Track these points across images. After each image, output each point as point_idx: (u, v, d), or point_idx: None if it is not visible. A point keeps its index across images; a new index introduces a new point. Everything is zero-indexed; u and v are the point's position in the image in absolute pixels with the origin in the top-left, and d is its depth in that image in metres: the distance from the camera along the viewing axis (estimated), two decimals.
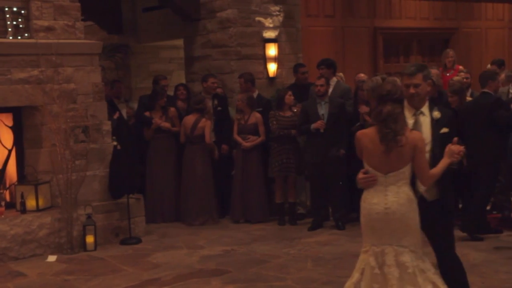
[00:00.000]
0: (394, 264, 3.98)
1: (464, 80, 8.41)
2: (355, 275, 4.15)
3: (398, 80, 4.43)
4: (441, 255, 4.29)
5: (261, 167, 8.30)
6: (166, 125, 8.46)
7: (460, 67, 10.21)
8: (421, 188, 4.17)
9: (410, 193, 4.05)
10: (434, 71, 8.54)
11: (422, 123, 4.25)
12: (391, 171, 4.00)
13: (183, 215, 8.41)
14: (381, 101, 4.02)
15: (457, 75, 9.22)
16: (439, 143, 4.18)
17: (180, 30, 9.97)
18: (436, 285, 4.01)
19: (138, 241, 7.41)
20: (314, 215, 8.02)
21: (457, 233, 7.27)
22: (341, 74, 9.47)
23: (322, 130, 7.66)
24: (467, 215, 7.20)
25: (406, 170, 4.01)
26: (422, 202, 4.16)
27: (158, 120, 8.44)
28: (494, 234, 7.07)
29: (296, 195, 8.31)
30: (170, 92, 9.33)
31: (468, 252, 6.47)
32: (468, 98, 7.67)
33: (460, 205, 8.01)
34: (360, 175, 4.11)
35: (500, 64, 9.99)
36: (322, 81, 7.87)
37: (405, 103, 4.23)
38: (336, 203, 7.95)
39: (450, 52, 10.31)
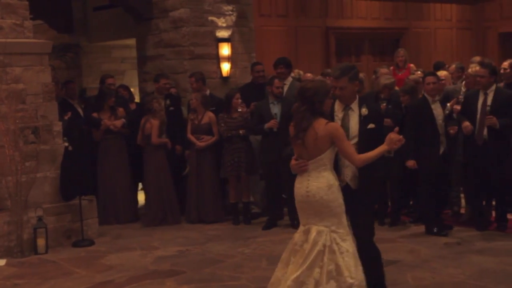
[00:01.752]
0: (310, 242, 4.32)
1: (420, 79, 8.55)
2: (285, 251, 4.54)
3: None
4: (360, 243, 4.56)
5: (215, 167, 8.28)
6: (117, 123, 8.33)
7: (411, 65, 10.40)
8: (347, 177, 4.57)
9: (330, 178, 4.39)
10: (384, 71, 8.68)
11: (351, 118, 4.64)
12: (311, 158, 4.36)
13: (139, 216, 8.37)
14: (297, 98, 4.43)
15: (413, 73, 9.37)
16: (365, 137, 4.57)
17: (132, 29, 9.88)
18: (339, 267, 4.27)
19: (91, 243, 7.32)
20: (268, 214, 8.05)
21: (413, 230, 7.46)
22: (301, 72, 9.53)
23: (275, 129, 7.70)
24: (422, 215, 7.36)
25: (325, 157, 4.36)
26: (347, 190, 4.52)
27: (108, 122, 8.32)
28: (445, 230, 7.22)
29: (250, 194, 8.32)
30: None
31: (419, 248, 6.59)
32: None
33: (411, 202, 8.18)
34: (293, 162, 4.43)
35: (440, 66, 10.19)
36: (281, 82, 7.93)
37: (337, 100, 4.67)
38: (291, 202, 7.99)
39: (401, 51, 10.48)
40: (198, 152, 8.23)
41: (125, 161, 8.47)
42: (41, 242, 6.96)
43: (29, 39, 7.29)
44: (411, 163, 7.04)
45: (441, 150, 7.11)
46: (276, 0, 11.25)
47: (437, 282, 5.60)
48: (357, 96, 4.72)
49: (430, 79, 7.23)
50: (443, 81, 8.15)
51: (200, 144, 8.18)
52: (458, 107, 7.45)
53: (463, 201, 8.00)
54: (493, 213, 7.49)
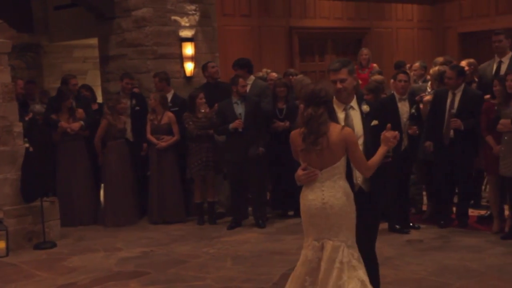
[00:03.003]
0: (325, 259, 4.07)
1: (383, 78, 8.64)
2: (298, 265, 4.24)
3: (306, 79, 4.54)
4: (365, 249, 4.32)
5: (176, 167, 8.25)
6: (74, 127, 8.21)
7: (374, 65, 10.50)
8: (359, 180, 4.30)
9: (346, 187, 4.12)
10: None
11: (353, 117, 4.37)
12: (325, 167, 4.07)
13: (101, 217, 8.28)
14: (306, 103, 4.10)
15: (373, 74, 9.46)
16: (371, 135, 4.32)
17: (94, 28, 9.75)
18: (364, 283, 4.06)
19: (53, 245, 7.22)
20: (233, 214, 8.05)
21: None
22: (268, 70, 9.54)
23: (240, 129, 7.71)
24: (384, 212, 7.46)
25: (340, 165, 4.08)
26: (360, 194, 4.27)
27: (65, 124, 8.19)
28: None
29: (215, 194, 8.31)
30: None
31: (382, 246, 6.63)
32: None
33: None
34: (300, 172, 4.15)
35: (400, 65, 10.30)
36: (245, 81, 7.94)
37: (334, 99, 4.31)
38: (256, 202, 8.01)
39: (365, 50, 10.59)
40: (158, 152, 8.19)
41: (85, 162, 8.38)
42: (1, 245, 6.84)
43: None
44: None
45: (402, 148, 7.19)
46: None
47: (399, 279, 5.67)
48: (355, 94, 4.47)
49: (402, 76, 7.30)
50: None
51: (162, 144, 8.14)
52: (421, 106, 7.56)
53: (425, 199, 8.12)
54: (454, 210, 7.61)
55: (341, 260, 4.04)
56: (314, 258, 4.11)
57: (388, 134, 4.15)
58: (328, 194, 4.07)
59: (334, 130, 4.04)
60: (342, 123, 4.26)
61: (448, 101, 7.22)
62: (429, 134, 7.37)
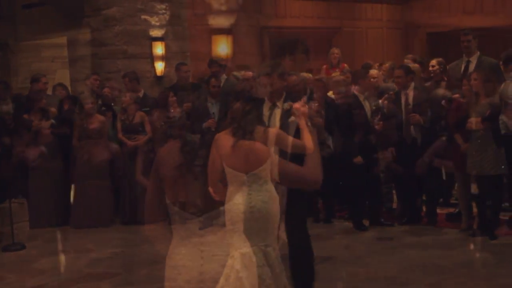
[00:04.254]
0: (266, 264, 3.92)
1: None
2: (221, 281, 4.08)
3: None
4: (297, 248, 4.51)
5: (149, 167, 8.20)
6: (44, 125, 8.14)
7: (345, 65, 10.56)
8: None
9: (272, 190, 4.00)
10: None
11: (276, 115, 4.67)
12: (251, 170, 3.94)
13: (71, 218, 8.21)
14: (234, 99, 4.08)
15: (341, 74, 9.52)
16: (287, 131, 4.26)
17: (63, 27, 9.66)
18: (287, 286, 4.03)
19: (22, 247, 7.12)
20: (205, 213, 8.02)
21: (349, 226, 7.57)
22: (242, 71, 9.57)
23: (213, 129, 7.70)
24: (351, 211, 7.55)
25: (267, 167, 3.94)
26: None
27: (39, 123, 8.11)
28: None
29: (186, 194, 8.28)
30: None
31: (353, 244, 6.72)
32: None
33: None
34: (211, 190, 4.24)
35: (368, 67, 10.39)
36: (218, 81, 7.93)
37: (266, 98, 4.67)
38: None
39: (335, 50, 10.64)
40: (130, 152, 8.14)
41: (58, 162, 8.29)
42: None
43: None
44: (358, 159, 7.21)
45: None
46: None
47: (370, 276, 5.72)
48: (284, 93, 4.73)
49: (373, 73, 7.59)
50: (375, 79, 8.35)
51: (130, 143, 8.10)
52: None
53: (395, 197, 8.19)
54: (424, 208, 7.70)
55: (278, 262, 3.95)
56: (243, 267, 3.94)
57: (295, 105, 4.11)
58: (255, 198, 3.92)
59: (258, 133, 3.95)
60: (266, 120, 4.51)
61: (402, 101, 7.36)
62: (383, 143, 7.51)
